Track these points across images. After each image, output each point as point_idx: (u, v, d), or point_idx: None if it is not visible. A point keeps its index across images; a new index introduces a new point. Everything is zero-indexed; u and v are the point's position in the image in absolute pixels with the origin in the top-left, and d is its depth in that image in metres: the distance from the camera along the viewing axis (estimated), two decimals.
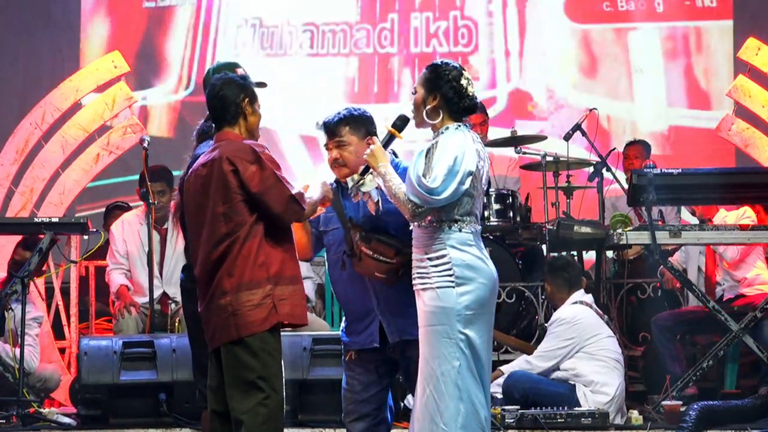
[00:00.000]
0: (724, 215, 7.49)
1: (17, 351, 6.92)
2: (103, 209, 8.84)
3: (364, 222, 4.81)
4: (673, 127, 9.93)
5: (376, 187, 4.67)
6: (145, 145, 7.03)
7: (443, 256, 4.54)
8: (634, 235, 6.86)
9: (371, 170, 4.64)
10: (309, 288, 7.58)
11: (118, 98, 8.67)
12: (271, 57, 10.20)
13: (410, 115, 4.74)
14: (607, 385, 6.45)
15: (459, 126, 4.65)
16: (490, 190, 7.52)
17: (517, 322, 7.63)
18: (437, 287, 4.53)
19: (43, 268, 7.59)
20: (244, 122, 4.68)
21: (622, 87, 9.98)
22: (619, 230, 6.93)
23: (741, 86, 8.55)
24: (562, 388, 6.49)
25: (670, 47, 10.03)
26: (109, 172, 9.07)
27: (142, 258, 7.31)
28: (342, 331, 5.04)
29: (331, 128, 4.89)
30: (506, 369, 6.73)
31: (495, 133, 8.39)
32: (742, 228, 6.95)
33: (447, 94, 4.65)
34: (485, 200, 7.40)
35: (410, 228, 4.66)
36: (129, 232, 7.48)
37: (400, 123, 4.75)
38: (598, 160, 7.84)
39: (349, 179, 4.72)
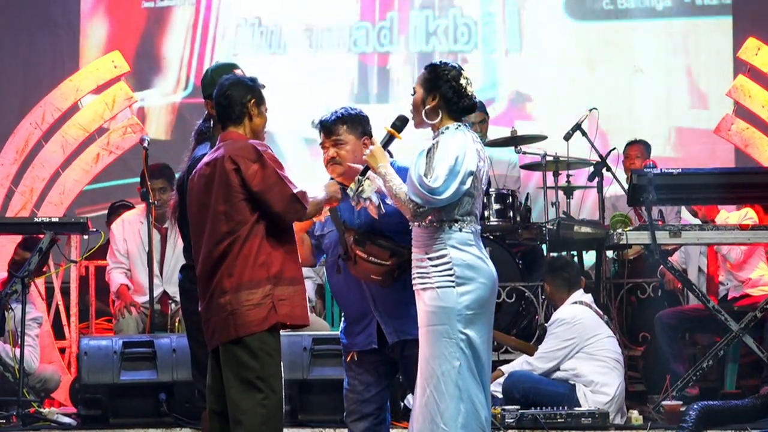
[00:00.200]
0: (726, 216, 7.49)
1: (17, 351, 6.92)
2: (103, 212, 8.86)
3: (361, 225, 4.81)
4: (672, 127, 9.93)
5: (376, 191, 4.67)
6: (145, 144, 7.03)
7: (443, 256, 4.54)
8: (634, 235, 6.86)
9: (370, 171, 4.64)
10: (309, 288, 7.58)
11: (118, 98, 8.67)
12: (271, 56, 10.20)
13: (409, 115, 4.74)
14: (607, 385, 6.45)
15: (459, 126, 4.65)
16: (490, 189, 7.52)
17: (517, 322, 7.63)
18: (437, 287, 4.53)
19: (44, 269, 7.59)
20: (249, 123, 4.68)
21: (622, 87, 9.98)
22: (619, 230, 6.93)
23: (741, 86, 8.55)
24: (562, 388, 6.50)
25: (670, 47, 10.03)
26: (109, 173, 9.07)
27: (143, 257, 7.31)
28: (341, 332, 5.04)
29: (328, 127, 4.89)
30: (506, 369, 6.73)
31: (495, 132, 8.38)
32: (743, 228, 6.96)
33: (446, 94, 4.65)
34: (485, 200, 7.41)
35: (406, 229, 4.65)
36: (129, 231, 7.48)
37: (400, 123, 4.74)
38: (598, 160, 7.84)
39: (348, 189, 4.71)
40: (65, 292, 8.10)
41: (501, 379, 6.64)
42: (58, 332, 8.11)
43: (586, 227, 7.40)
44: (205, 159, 4.65)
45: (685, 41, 10.02)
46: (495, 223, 7.57)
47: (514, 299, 7.46)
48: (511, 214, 7.59)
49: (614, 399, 6.44)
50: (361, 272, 4.75)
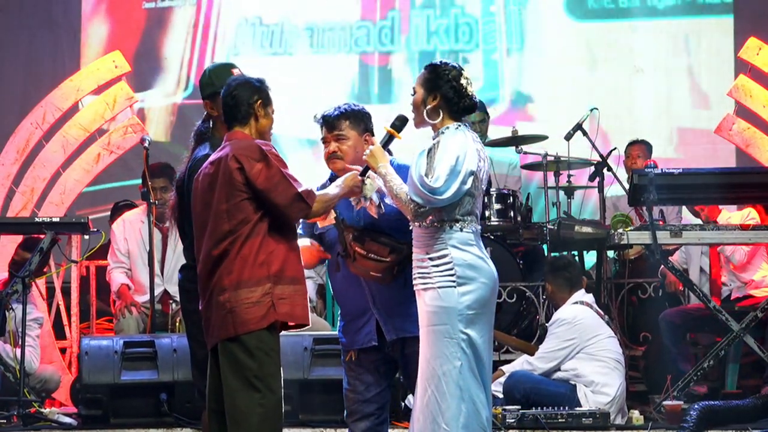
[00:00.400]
0: (728, 216, 7.48)
1: (18, 351, 6.92)
2: (104, 213, 8.86)
3: (361, 223, 4.80)
4: (673, 127, 9.93)
5: (376, 190, 4.67)
6: (146, 144, 7.02)
7: (444, 256, 4.54)
8: (635, 234, 6.86)
9: (370, 171, 4.64)
10: (310, 288, 7.58)
11: (118, 98, 8.66)
12: (272, 56, 10.20)
13: (409, 115, 4.74)
14: (608, 386, 6.45)
15: (459, 126, 4.65)
16: (491, 189, 7.53)
17: (518, 322, 7.63)
18: (438, 287, 4.52)
19: (45, 269, 7.59)
20: (255, 123, 4.68)
21: (622, 86, 9.98)
22: (620, 230, 6.92)
23: (742, 86, 8.54)
24: (563, 388, 6.50)
25: (671, 47, 10.03)
26: (110, 174, 9.06)
27: (143, 256, 7.31)
28: (339, 331, 5.03)
29: (330, 122, 4.88)
30: (507, 369, 6.73)
31: (496, 132, 8.38)
32: (744, 228, 6.95)
33: (447, 94, 4.65)
34: (486, 200, 7.41)
35: (405, 228, 4.64)
36: (130, 230, 7.48)
37: (399, 123, 4.74)
38: (599, 160, 7.83)
39: None
40: (66, 292, 8.10)
41: (502, 379, 6.64)
42: (59, 332, 8.11)
43: (587, 227, 7.39)
44: (211, 158, 4.65)
45: (686, 41, 10.01)
46: (496, 223, 7.57)
47: (514, 299, 7.46)
48: (512, 214, 7.59)
49: (615, 399, 6.44)
50: (361, 269, 4.74)
